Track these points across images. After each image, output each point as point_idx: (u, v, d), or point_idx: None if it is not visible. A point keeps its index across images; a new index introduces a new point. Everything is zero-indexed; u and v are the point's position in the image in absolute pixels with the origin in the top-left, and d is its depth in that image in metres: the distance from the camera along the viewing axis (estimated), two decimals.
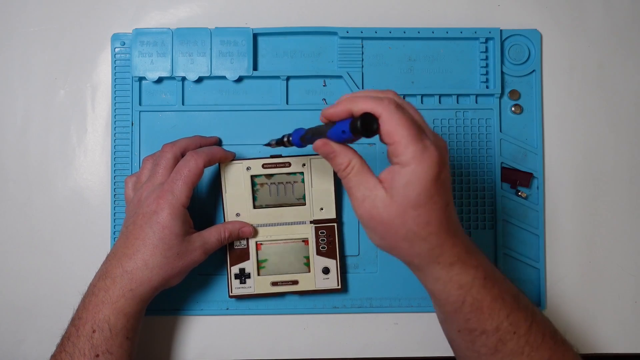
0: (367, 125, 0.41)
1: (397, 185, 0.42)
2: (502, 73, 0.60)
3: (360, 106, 0.42)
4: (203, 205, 0.58)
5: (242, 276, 0.56)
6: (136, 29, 0.59)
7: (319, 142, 0.45)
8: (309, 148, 0.48)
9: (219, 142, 0.58)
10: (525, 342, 0.45)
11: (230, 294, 0.56)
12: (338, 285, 0.56)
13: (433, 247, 0.43)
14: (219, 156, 0.55)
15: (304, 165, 0.56)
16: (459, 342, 0.47)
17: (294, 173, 0.56)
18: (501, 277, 0.46)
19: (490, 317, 0.44)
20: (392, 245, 0.44)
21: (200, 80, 0.59)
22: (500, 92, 0.60)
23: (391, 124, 0.41)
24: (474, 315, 0.44)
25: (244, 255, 0.56)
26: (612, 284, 0.60)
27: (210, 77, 0.59)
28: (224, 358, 0.58)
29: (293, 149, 0.53)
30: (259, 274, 0.56)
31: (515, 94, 0.60)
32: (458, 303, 0.45)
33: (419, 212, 0.42)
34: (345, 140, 0.44)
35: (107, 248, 0.52)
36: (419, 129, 0.42)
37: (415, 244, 0.43)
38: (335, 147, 0.44)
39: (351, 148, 0.45)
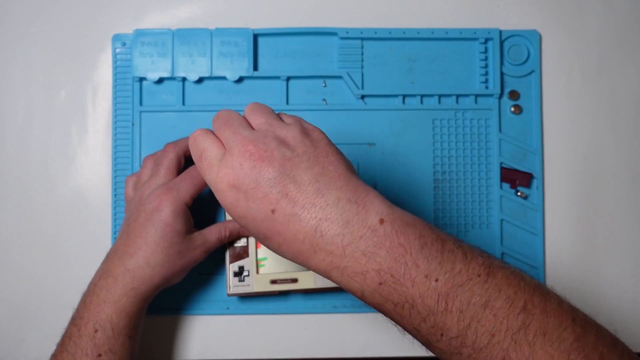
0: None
1: None
2: (502, 73, 0.60)
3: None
4: (203, 204, 0.58)
5: (241, 274, 0.56)
6: (137, 29, 0.59)
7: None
8: None
9: None
10: (460, 343, 0.37)
11: (229, 292, 0.55)
12: None
13: (294, 256, 0.39)
14: None
15: None
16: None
17: None
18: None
19: (403, 321, 0.38)
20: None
21: (200, 80, 0.59)
22: (499, 92, 0.60)
23: (194, 155, 0.42)
24: (386, 315, 0.39)
25: (243, 253, 0.56)
26: (611, 284, 0.60)
27: (210, 78, 0.59)
28: (224, 358, 0.59)
29: None
30: (258, 272, 0.56)
31: (514, 95, 0.60)
32: (362, 301, 0.39)
33: (254, 231, 0.40)
34: None
35: (107, 248, 0.52)
36: (210, 160, 0.40)
37: (280, 253, 0.40)
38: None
39: None
